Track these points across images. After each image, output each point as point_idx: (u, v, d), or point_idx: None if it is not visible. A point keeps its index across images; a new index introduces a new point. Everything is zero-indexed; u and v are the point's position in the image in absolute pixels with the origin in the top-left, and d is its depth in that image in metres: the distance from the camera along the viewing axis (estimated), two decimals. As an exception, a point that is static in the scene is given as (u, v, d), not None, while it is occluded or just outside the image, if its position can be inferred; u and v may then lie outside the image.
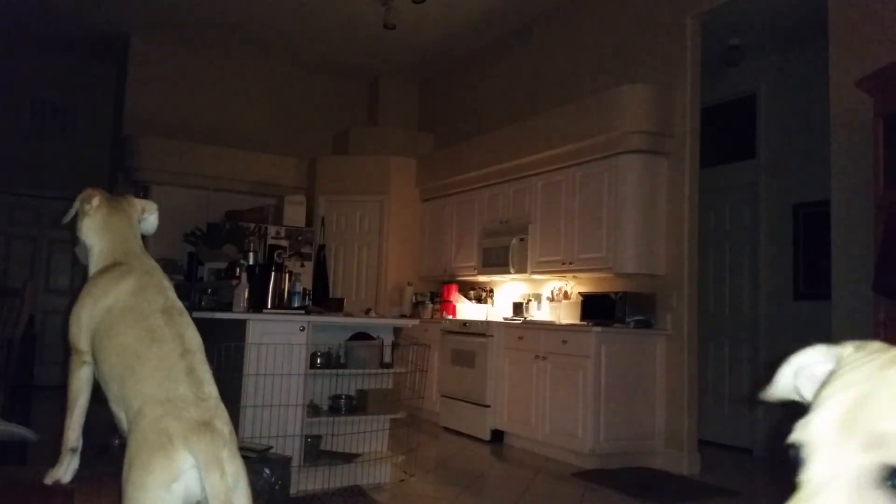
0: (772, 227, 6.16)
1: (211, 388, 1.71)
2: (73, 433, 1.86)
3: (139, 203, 2.16)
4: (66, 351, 1.90)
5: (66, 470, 1.86)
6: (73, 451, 1.87)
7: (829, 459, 0.55)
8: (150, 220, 2.19)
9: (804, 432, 0.58)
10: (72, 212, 2.09)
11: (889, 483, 0.52)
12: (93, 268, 1.97)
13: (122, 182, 7.94)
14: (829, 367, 0.67)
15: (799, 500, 0.55)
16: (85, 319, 1.84)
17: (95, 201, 2.09)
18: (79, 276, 8.76)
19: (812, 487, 0.55)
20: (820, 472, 0.55)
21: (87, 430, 1.96)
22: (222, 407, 1.70)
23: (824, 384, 0.62)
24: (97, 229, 2.03)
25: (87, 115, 8.87)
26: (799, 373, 0.73)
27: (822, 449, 0.56)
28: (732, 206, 6.51)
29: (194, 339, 1.81)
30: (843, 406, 0.57)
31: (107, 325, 1.80)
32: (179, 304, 1.92)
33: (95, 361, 1.81)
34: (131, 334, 1.76)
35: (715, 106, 6.44)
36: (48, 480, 1.83)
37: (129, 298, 1.83)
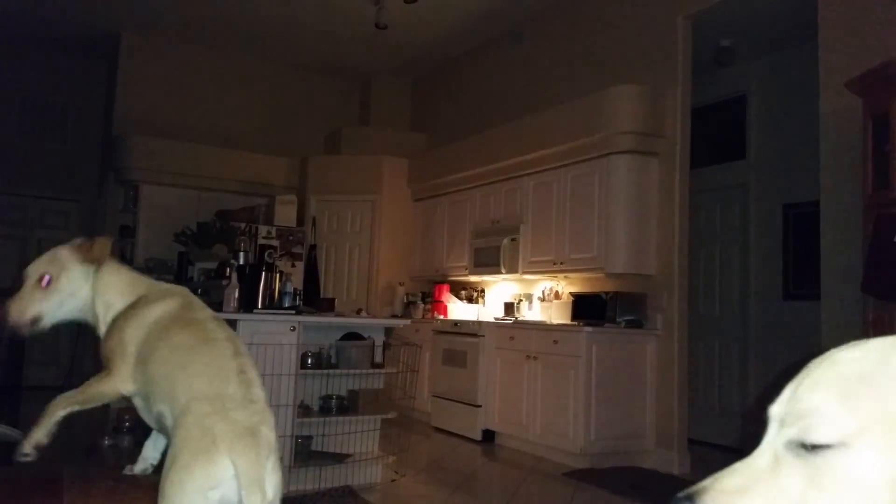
0: (762, 227, 6.19)
1: (260, 392, 1.67)
2: (64, 411, 1.77)
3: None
4: (97, 367, 1.84)
5: (45, 433, 1.75)
6: (56, 422, 1.78)
7: (772, 429, 0.69)
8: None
9: (770, 406, 0.71)
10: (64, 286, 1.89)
11: (795, 449, 0.65)
12: (112, 309, 1.88)
13: (112, 181, 7.90)
14: None
15: (745, 459, 0.70)
16: (129, 335, 1.79)
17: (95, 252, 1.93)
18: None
19: (757, 451, 0.69)
20: (765, 441, 0.69)
21: (77, 429, 1.94)
22: (270, 412, 1.65)
23: None
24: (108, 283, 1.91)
25: (78, 113, 8.82)
26: None
27: (773, 421, 0.69)
28: (723, 207, 6.53)
29: (243, 345, 1.79)
30: (794, 386, 0.68)
31: (158, 330, 1.77)
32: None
33: (144, 364, 1.75)
34: (185, 334, 1.74)
35: (705, 107, 6.46)
36: (28, 447, 1.73)
37: (179, 311, 1.82)
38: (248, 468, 1.47)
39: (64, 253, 1.89)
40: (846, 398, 0.61)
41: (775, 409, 0.69)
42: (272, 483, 1.52)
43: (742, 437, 5.91)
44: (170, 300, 1.85)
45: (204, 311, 1.85)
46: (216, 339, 1.73)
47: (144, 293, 1.88)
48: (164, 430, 1.69)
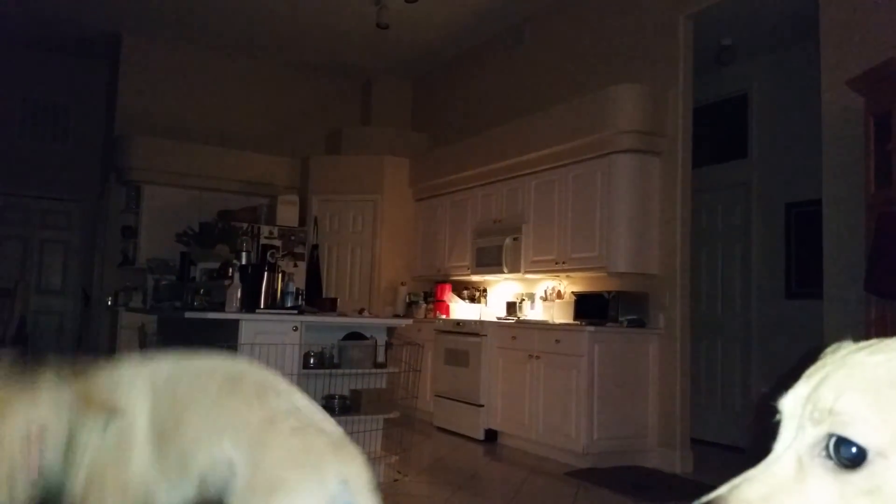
0: (764, 226, 6.18)
1: None
2: None
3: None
4: None
5: None
6: None
7: (790, 431, 0.63)
8: None
9: (781, 403, 0.66)
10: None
11: (825, 451, 0.59)
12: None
13: (114, 182, 7.91)
14: None
15: (761, 464, 0.64)
16: (124, 464, 1.42)
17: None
18: (71, 277, 8.72)
19: (773, 455, 0.63)
20: (782, 442, 0.63)
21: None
22: None
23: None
24: None
25: (80, 114, 8.83)
26: None
27: (787, 421, 0.64)
28: (725, 206, 6.52)
29: None
30: (810, 385, 0.63)
31: (162, 400, 1.43)
32: None
33: (165, 437, 1.44)
34: (190, 379, 1.46)
35: (707, 105, 6.45)
36: None
37: (151, 382, 1.47)
38: (359, 477, 1.36)
39: (68, 400, 1.44)
40: (878, 405, 0.56)
41: (788, 404, 0.63)
42: None
43: (749, 435, 5.91)
44: (136, 385, 1.46)
45: (167, 360, 1.53)
46: (225, 362, 1.52)
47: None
48: (206, 489, 1.40)
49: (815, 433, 0.60)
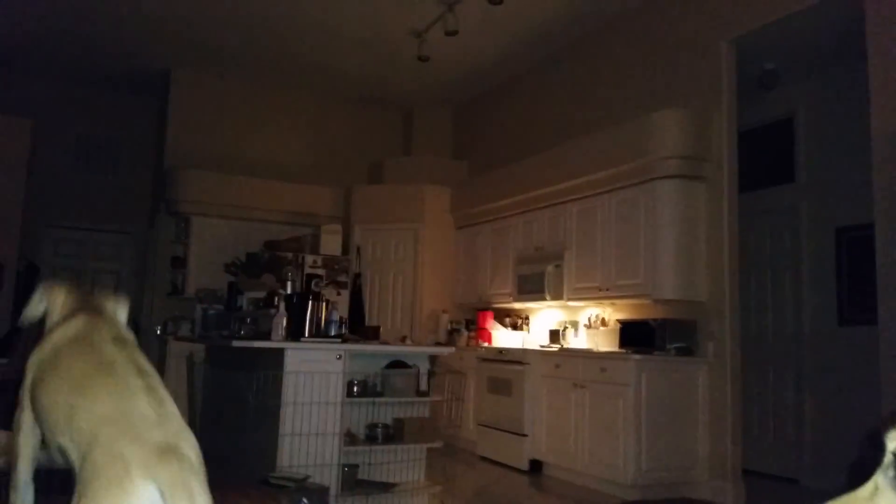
0: (814, 251, 6.04)
1: (173, 408, 1.52)
2: (24, 474, 1.74)
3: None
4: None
5: (20, 500, 1.73)
6: (27, 483, 1.76)
7: (884, 463, 0.69)
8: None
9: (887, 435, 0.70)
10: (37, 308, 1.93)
11: (893, 470, 0.66)
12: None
13: (163, 213, 8.12)
14: None
15: (850, 492, 0.72)
16: (29, 363, 1.72)
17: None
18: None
19: (864, 485, 0.70)
20: (875, 474, 0.70)
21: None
22: (188, 429, 1.50)
23: None
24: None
25: (130, 148, 9.11)
26: None
27: (888, 452, 0.69)
28: (773, 231, 6.40)
29: (148, 363, 1.66)
30: None
31: (50, 358, 1.66)
32: (132, 336, 1.81)
33: (33, 393, 1.65)
34: (79, 358, 1.62)
35: (752, 129, 6.37)
36: None
37: (77, 334, 1.70)
38: (172, 477, 1.33)
39: None
40: None
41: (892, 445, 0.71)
42: None
43: (855, 463, 5.73)
44: (72, 322, 1.74)
45: (105, 332, 1.71)
46: (114, 360, 1.60)
47: (58, 319, 1.81)
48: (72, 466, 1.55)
49: (888, 455, 0.67)
